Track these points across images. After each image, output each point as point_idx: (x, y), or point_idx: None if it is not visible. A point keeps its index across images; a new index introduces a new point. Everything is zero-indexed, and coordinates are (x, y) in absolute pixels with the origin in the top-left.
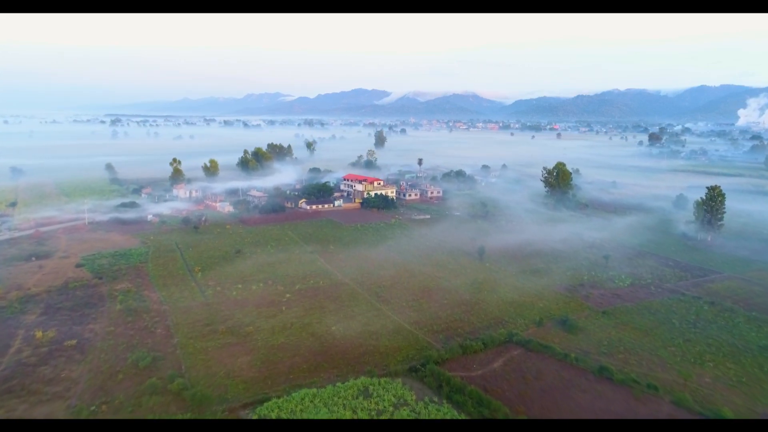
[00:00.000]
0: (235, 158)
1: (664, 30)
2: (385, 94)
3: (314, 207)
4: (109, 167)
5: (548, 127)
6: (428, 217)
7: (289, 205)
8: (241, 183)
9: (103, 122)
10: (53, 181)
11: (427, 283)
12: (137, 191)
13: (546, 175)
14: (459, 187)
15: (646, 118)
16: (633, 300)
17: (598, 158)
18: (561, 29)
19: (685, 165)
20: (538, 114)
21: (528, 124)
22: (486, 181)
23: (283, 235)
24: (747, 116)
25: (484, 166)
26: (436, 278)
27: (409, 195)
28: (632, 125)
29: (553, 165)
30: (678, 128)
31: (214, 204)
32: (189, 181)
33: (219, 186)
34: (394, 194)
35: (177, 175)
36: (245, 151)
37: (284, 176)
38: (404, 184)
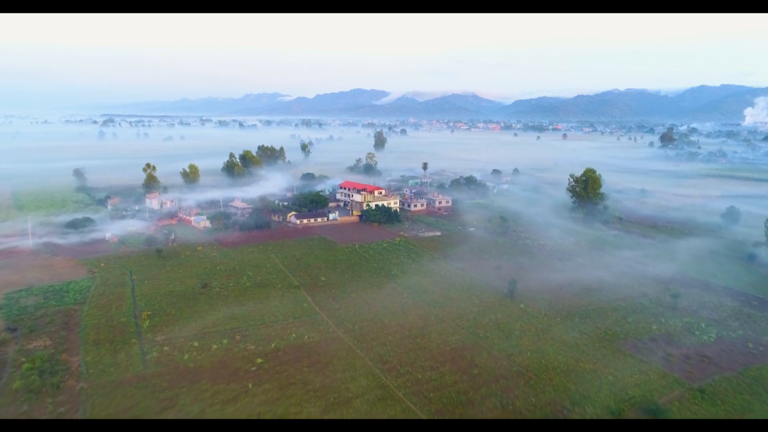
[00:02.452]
0: (222, 162)
1: (664, 30)
2: (384, 94)
3: (305, 221)
4: (77, 173)
5: (551, 127)
6: (438, 234)
7: (276, 218)
8: (223, 192)
9: (95, 122)
10: (11, 190)
11: (448, 338)
12: (103, 202)
13: (573, 183)
14: (470, 196)
15: (647, 118)
16: (732, 366)
17: (613, 161)
18: (560, 29)
19: (709, 169)
20: (538, 114)
21: (530, 124)
22: (498, 188)
23: (264, 260)
24: (754, 116)
25: (495, 171)
26: (459, 329)
27: (415, 205)
28: (636, 125)
29: (578, 171)
30: (684, 128)
31: (188, 218)
32: (165, 189)
33: (197, 196)
34: (398, 205)
35: (151, 183)
36: (231, 155)
37: (273, 184)
38: (408, 192)
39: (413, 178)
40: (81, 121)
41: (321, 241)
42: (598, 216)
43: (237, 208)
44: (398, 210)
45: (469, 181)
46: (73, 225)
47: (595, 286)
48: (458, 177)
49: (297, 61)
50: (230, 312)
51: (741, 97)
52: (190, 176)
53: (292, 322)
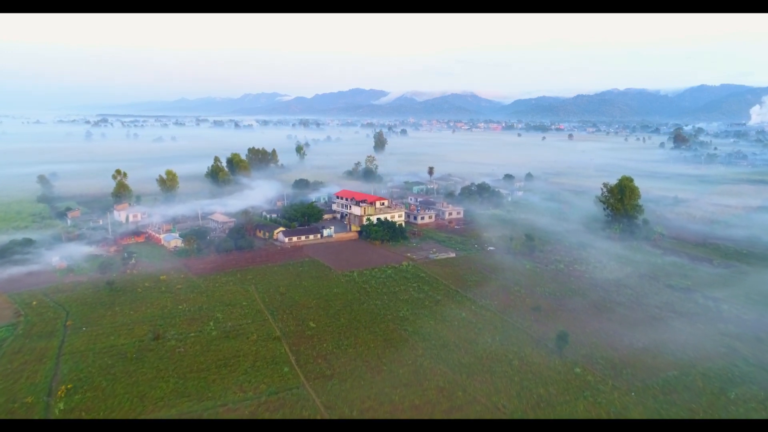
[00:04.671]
0: (208, 166)
1: (664, 30)
2: (383, 93)
3: (294, 239)
4: (42, 180)
5: (553, 127)
6: (453, 255)
7: (261, 235)
8: (203, 203)
9: (88, 122)
10: None
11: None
12: (62, 215)
13: (606, 193)
14: (482, 206)
15: (648, 117)
16: None
17: (629, 163)
18: (559, 30)
19: (734, 173)
20: (538, 114)
21: (532, 124)
22: (513, 196)
23: (241, 294)
24: (761, 115)
25: (507, 176)
26: (499, 416)
27: (422, 218)
28: (639, 125)
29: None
30: (690, 128)
31: (157, 235)
32: (138, 198)
33: (172, 208)
34: (403, 218)
35: (121, 191)
36: (216, 159)
37: (261, 193)
38: (413, 201)
39: (418, 183)
40: (74, 121)
41: (313, 267)
42: (638, 232)
43: (217, 222)
44: (403, 224)
45: (482, 189)
46: (7, 249)
47: (665, 336)
48: (468, 183)
49: (296, 61)
50: (180, 384)
51: (741, 96)
52: (167, 183)
53: (265, 402)
